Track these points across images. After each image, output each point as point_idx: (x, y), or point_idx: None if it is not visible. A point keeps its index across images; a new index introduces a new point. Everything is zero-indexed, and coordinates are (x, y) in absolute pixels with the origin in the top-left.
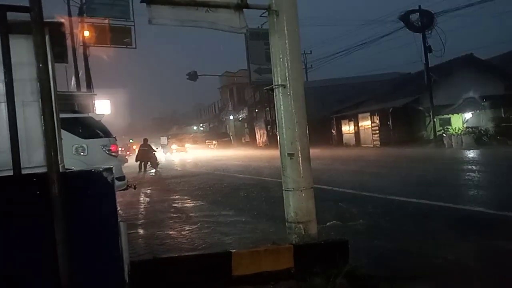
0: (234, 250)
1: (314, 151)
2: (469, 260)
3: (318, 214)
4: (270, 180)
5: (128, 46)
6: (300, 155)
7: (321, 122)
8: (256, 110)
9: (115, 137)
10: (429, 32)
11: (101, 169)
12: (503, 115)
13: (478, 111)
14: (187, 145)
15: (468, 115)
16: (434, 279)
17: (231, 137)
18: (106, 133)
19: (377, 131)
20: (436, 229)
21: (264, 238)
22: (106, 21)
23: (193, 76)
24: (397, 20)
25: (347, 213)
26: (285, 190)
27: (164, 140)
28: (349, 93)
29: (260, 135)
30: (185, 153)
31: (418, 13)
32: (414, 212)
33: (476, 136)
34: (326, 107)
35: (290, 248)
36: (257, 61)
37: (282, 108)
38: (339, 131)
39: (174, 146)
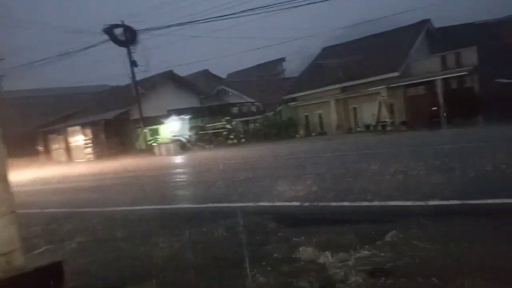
0: None
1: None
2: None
3: (27, 241)
4: None
5: None
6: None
7: (24, 138)
8: None
9: None
10: (133, 47)
11: None
12: (200, 125)
13: (181, 121)
14: None
15: (174, 125)
16: (156, 277)
17: None
18: None
19: (90, 145)
20: (150, 231)
21: None
22: None
23: None
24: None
25: (61, 234)
26: None
27: None
28: (56, 105)
29: None
30: None
31: (122, 28)
32: (135, 218)
33: (181, 144)
34: (29, 121)
35: None
36: None
37: None
38: (47, 146)
39: None
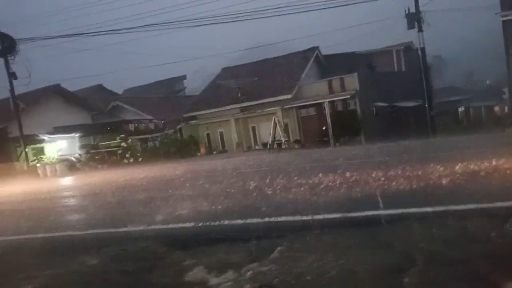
0: None
1: None
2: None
3: None
4: None
5: None
6: None
7: None
8: None
9: None
10: (12, 57)
11: None
12: (92, 143)
13: (70, 139)
14: None
15: (61, 144)
16: None
17: None
18: None
19: None
20: (19, 264)
21: None
22: None
23: None
24: None
25: None
26: None
27: None
28: None
29: None
30: None
31: None
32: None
33: (70, 164)
34: None
35: None
36: None
37: None
38: None
39: None
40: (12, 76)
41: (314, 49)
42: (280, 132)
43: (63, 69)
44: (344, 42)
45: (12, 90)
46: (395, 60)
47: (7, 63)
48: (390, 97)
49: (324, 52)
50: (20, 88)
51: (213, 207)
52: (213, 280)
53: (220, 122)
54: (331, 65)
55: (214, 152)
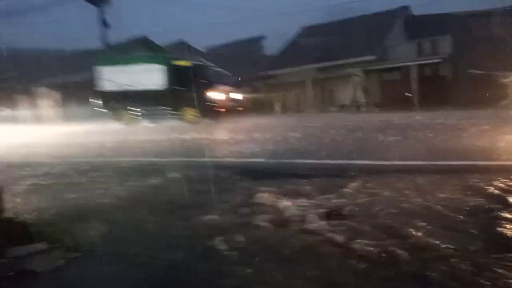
0: None
1: None
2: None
3: None
4: None
5: None
6: None
7: None
8: None
9: None
10: (103, 6)
11: None
12: None
13: None
14: None
15: None
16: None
17: None
18: None
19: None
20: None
21: None
22: None
23: None
24: None
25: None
26: None
27: None
28: (22, 65)
29: None
30: None
31: None
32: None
33: None
34: None
35: None
36: None
37: None
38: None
39: None
40: (104, 24)
41: (404, 8)
42: (360, 94)
43: (149, 22)
44: (438, 1)
45: (104, 38)
46: (496, 24)
47: (101, 12)
48: (488, 65)
49: (416, 11)
50: (111, 39)
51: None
52: (283, 203)
53: (296, 82)
54: (422, 26)
55: (290, 112)
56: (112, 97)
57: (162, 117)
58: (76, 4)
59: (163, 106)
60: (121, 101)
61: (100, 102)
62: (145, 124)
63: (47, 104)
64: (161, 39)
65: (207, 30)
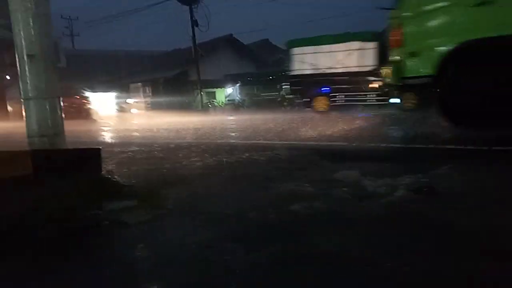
0: None
1: None
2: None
3: None
4: None
5: None
6: (43, 57)
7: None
8: (9, 77)
9: None
10: (196, 6)
11: None
12: (255, 92)
13: (236, 87)
14: None
15: (229, 90)
16: (187, 184)
17: None
18: None
19: (148, 100)
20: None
21: None
22: None
23: None
24: None
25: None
26: (25, 99)
27: None
28: (122, 64)
29: (13, 106)
30: None
31: None
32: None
33: (235, 106)
34: (95, 77)
35: (27, 152)
36: (4, 14)
37: None
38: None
39: None
40: (194, 24)
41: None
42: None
43: (235, 22)
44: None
45: (193, 36)
46: None
47: (191, 11)
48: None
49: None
50: (199, 37)
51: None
52: (365, 182)
53: None
54: None
55: None
56: (305, 81)
57: (367, 104)
58: (164, 6)
59: (369, 91)
60: (313, 86)
61: (293, 87)
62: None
63: (145, 97)
64: (246, 38)
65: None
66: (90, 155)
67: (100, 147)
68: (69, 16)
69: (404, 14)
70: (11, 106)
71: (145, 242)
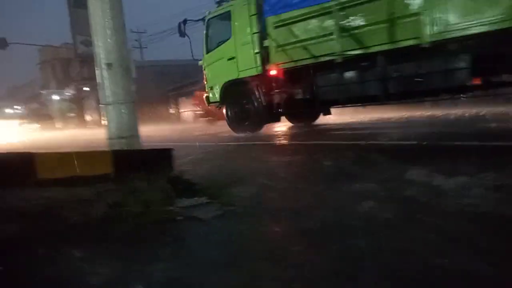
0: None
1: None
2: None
3: None
4: None
5: None
6: (120, 65)
7: (158, 100)
8: (85, 88)
9: None
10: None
11: None
12: None
13: None
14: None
15: None
16: (253, 182)
17: (54, 118)
18: None
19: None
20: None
21: None
22: None
23: (1, 43)
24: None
25: None
26: (105, 105)
27: None
28: (183, 74)
29: (91, 114)
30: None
31: None
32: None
33: None
34: (162, 86)
35: (107, 153)
36: (83, 31)
37: None
38: (177, 108)
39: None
40: None
41: None
42: None
43: None
44: None
45: None
46: None
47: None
48: None
49: None
50: None
51: None
52: (437, 181)
53: None
54: None
55: None
56: None
57: None
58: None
59: None
60: None
61: None
62: None
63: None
64: None
65: None
66: (164, 155)
67: (173, 148)
68: (137, 29)
69: (204, 63)
70: (88, 115)
71: (221, 235)
